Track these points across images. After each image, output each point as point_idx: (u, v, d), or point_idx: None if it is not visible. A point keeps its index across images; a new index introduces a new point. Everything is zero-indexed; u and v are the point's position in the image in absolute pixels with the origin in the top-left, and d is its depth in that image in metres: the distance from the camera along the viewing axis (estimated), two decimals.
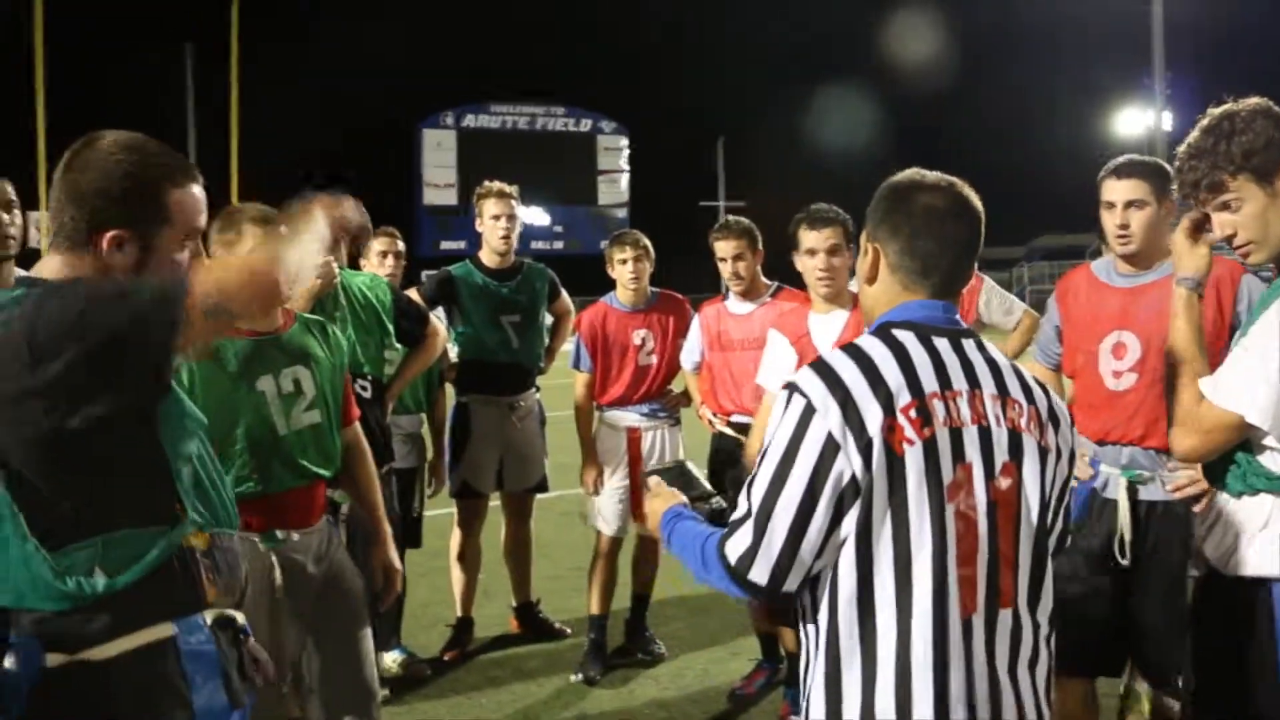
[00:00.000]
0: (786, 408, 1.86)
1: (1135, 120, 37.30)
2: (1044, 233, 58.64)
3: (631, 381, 5.16)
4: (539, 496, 5.62)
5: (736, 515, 1.86)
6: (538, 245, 47.72)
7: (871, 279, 2.04)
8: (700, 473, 2.38)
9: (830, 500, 1.79)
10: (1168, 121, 30.61)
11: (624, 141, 52.86)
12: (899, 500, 1.80)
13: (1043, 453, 1.93)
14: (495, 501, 5.54)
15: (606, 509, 5.13)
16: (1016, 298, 5.59)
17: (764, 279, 4.79)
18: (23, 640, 1.90)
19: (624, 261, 5.14)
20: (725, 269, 4.71)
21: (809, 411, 1.82)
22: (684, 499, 2.14)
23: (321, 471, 3.16)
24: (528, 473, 5.44)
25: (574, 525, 5.72)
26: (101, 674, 1.91)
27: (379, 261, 5.16)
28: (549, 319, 5.59)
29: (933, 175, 2.03)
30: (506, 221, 5.34)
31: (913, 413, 1.82)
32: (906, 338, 1.91)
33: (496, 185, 5.41)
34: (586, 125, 52.41)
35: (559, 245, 49.30)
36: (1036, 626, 1.92)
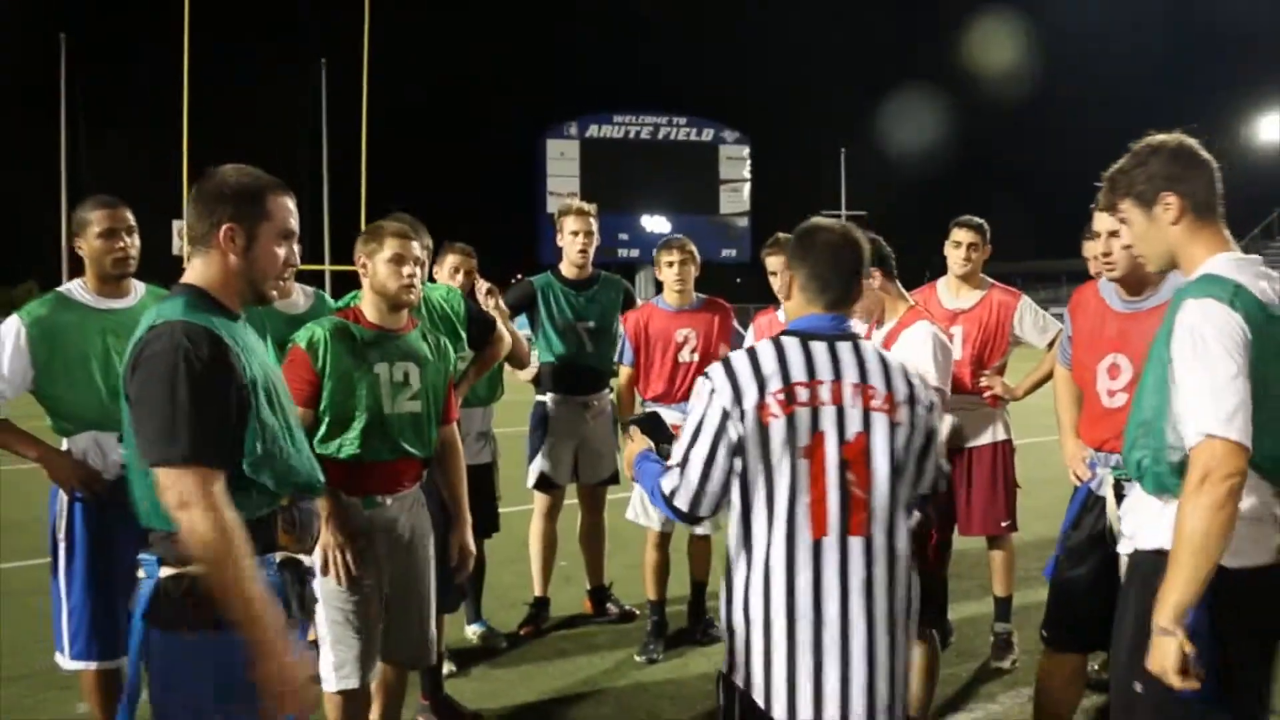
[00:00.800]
0: (701, 390, 2.63)
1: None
2: None
3: (670, 377, 5.56)
4: (618, 494, 6.07)
5: (671, 462, 2.66)
6: None
7: (788, 296, 2.80)
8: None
9: (725, 454, 2.56)
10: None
11: (746, 151, 53.04)
12: (766, 456, 2.54)
13: (893, 425, 2.60)
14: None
15: (649, 504, 5.47)
16: (1053, 318, 5.52)
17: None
18: (147, 557, 2.49)
19: (670, 264, 5.58)
20: (775, 282, 5.05)
21: (711, 392, 2.59)
22: (651, 444, 2.89)
23: (414, 452, 3.75)
24: (600, 467, 5.92)
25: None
26: (199, 584, 2.42)
27: (450, 275, 5.43)
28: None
29: (829, 220, 2.81)
30: (584, 238, 5.86)
31: (780, 395, 2.55)
32: (790, 342, 2.64)
33: (576, 204, 5.94)
34: (709, 135, 52.71)
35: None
36: (892, 550, 2.58)
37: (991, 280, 5.45)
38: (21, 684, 5.01)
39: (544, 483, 5.87)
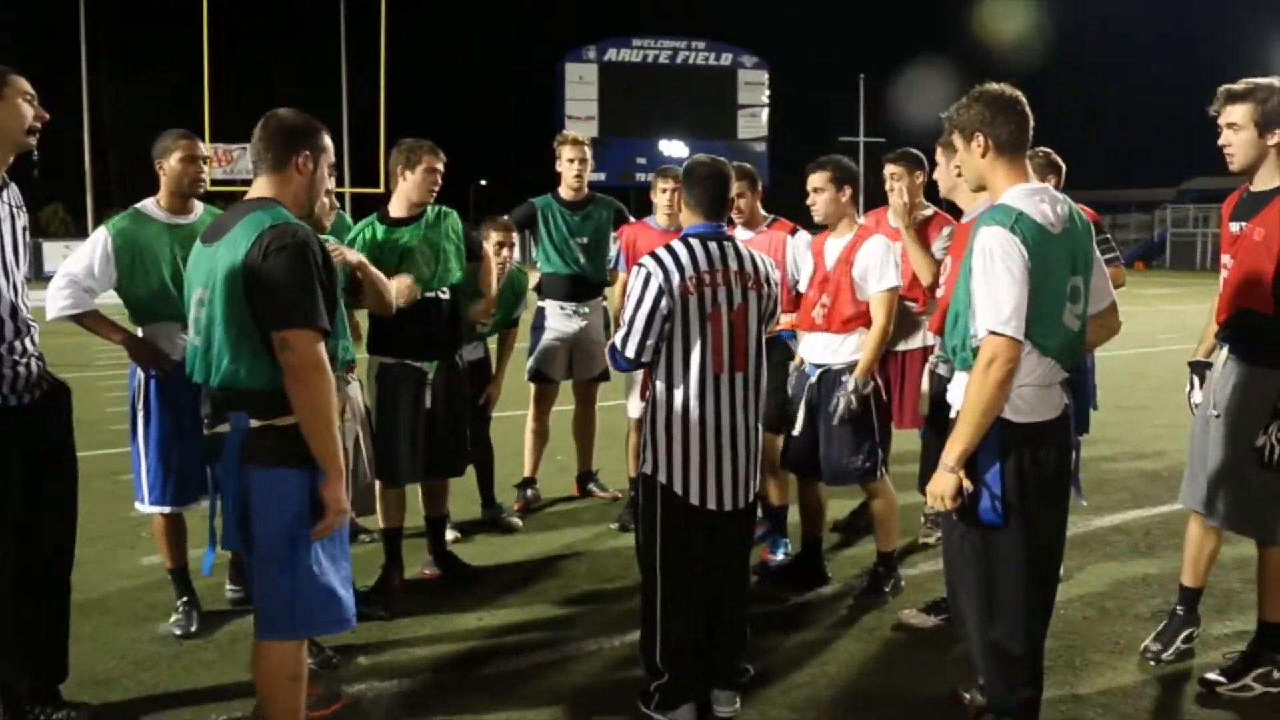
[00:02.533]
0: (637, 274, 3.81)
1: None
2: (1198, 174, 56.94)
3: None
4: (614, 400, 6.92)
5: (620, 329, 3.83)
6: None
7: (689, 214, 3.97)
8: None
9: (660, 318, 3.78)
10: None
11: (765, 76, 52.96)
12: (685, 319, 3.79)
13: (760, 298, 3.90)
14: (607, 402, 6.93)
15: (634, 395, 6.42)
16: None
17: (762, 211, 5.94)
18: (235, 412, 3.18)
19: (664, 191, 6.37)
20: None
21: (648, 275, 3.79)
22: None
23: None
24: (591, 365, 6.81)
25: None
26: (280, 432, 3.17)
27: (496, 250, 6.01)
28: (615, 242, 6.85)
29: (706, 156, 4.05)
30: (580, 165, 6.71)
31: (692, 279, 3.78)
32: (694, 243, 3.86)
33: (571, 134, 6.82)
34: (727, 60, 52.67)
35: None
36: (757, 382, 3.93)
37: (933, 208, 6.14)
38: (99, 543, 6.00)
39: (539, 376, 6.77)
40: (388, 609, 4.99)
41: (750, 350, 3.88)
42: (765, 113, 53.00)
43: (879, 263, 5.03)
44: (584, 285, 6.76)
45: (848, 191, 5.16)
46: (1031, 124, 3.42)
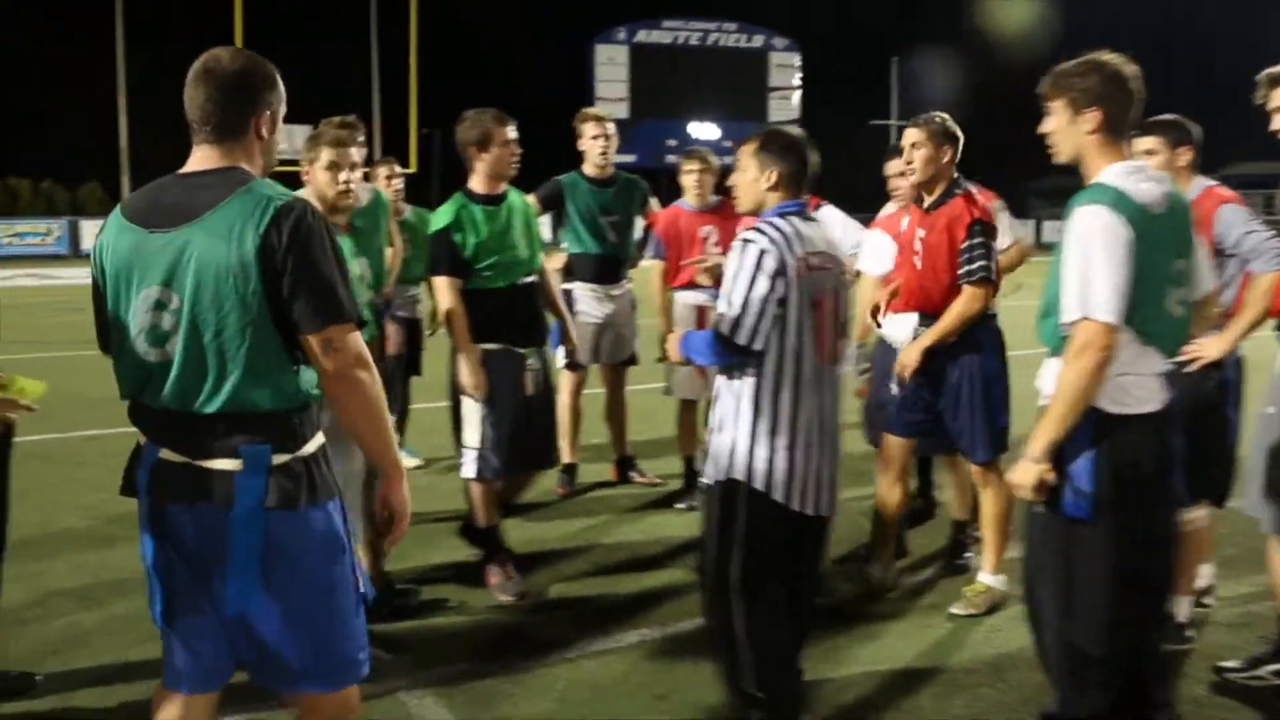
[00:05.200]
0: (745, 250, 3.42)
1: None
2: (1242, 160, 55.76)
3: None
4: (652, 387, 6.84)
5: (726, 312, 3.42)
6: None
7: (774, 189, 3.61)
8: None
9: (774, 300, 3.40)
10: None
11: (796, 59, 52.53)
12: (795, 304, 3.44)
13: (844, 283, 3.66)
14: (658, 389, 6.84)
15: (679, 376, 6.40)
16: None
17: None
18: (253, 447, 2.51)
19: (690, 173, 6.39)
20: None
21: (763, 252, 3.41)
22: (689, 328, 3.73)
23: None
24: (620, 348, 6.69)
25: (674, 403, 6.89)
26: (309, 463, 2.61)
27: (386, 183, 6.89)
28: (641, 224, 6.75)
29: (796, 130, 3.72)
30: (604, 140, 6.54)
31: (802, 260, 3.45)
32: (797, 220, 3.54)
33: (591, 110, 6.68)
34: (759, 41, 52.22)
35: (729, 160, 48.88)
36: (839, 375, 3.68)
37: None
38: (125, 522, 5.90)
39: (571, 364, 6.58)
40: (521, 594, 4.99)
41: (840, 341, 3.65)
42: (797, 95, 52.54)
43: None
44: (613, 265, 6.61)
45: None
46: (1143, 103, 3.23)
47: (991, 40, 69.86)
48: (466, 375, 4.82)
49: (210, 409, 2.53)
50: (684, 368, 6.36)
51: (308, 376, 2.62)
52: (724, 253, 6.28)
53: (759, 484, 3.46)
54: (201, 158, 2.63)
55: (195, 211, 2.52)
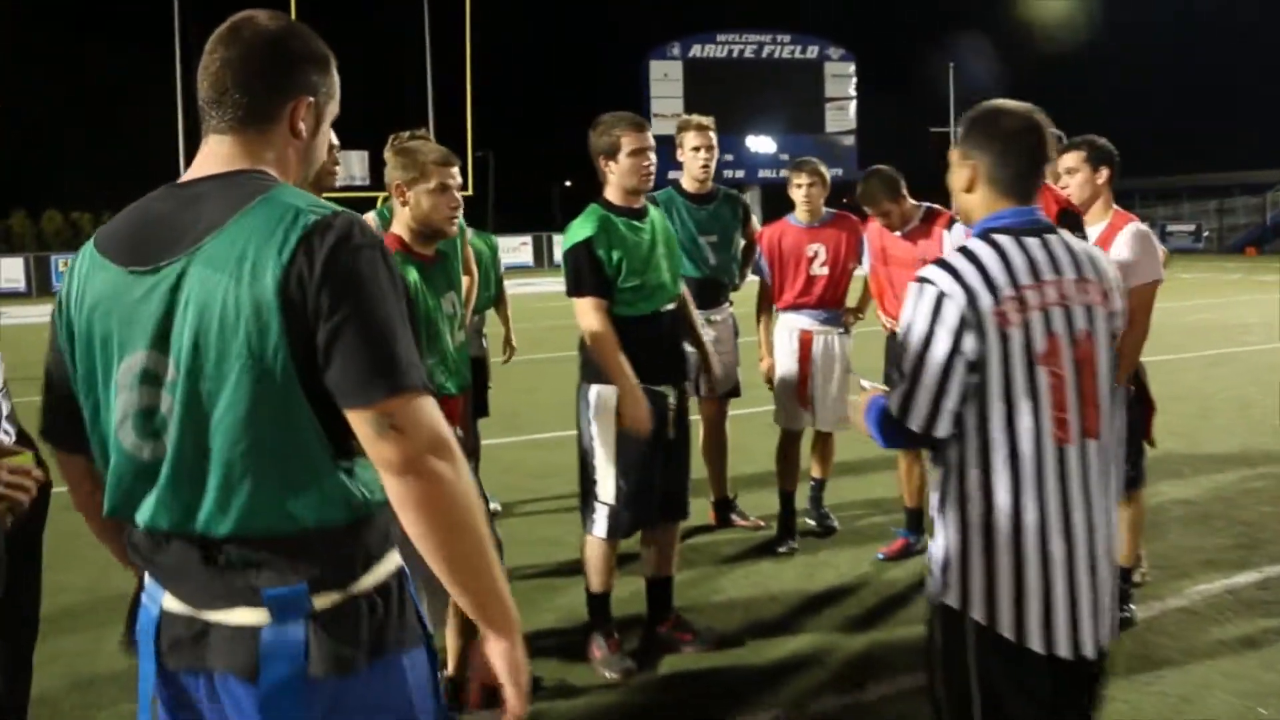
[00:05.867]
0: (921, 296, 2.42)
1: None
2: None
3: (803, 289, 5.96)
4: (749, 412, 6.23)
5: (895, 384, 2.45)
6: (764, 174, 47.75)
7: (969, 189, 2.56)
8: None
9: (962, 364, 2.37)
10: None
11: (851, 68, 51.67)
12: (1006, 367, 2.39)
13: (1109, 316, 2.51)
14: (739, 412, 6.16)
15: (787, 402, 6.00)
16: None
17: (912, 201, 5.58)
18: (282, 587, 1.73)
19: (799, 186, 5.95)
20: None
21: (941, 297, 2.39)
22: (883, 391, 2.59)
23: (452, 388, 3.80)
24: (722, 379, 5.96)
25: (775, 435, 6.28)
26: (371, 605, 1.79)
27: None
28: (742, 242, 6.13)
29: (1013, 103, 2.55)
30: (706, 152, 5.89)
31: (1012, 300, 2.39)
32: (1005, 240, 2.45)
33: (696, 118, 5.94)
34: (814, 52, 51.46)
35: (786, 174, 48.88)
36: (1112, 449, 2.53)
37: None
38: None
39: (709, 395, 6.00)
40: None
41: (1103, 402, 2.49)
42: (853, 105, 51.77)
43: (1140, 252, 4.46)
44: (715, 289, 5.98)
45: (1105, 172, 4.65)
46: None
47: (1045, 38, 68.60)
48: (631, 407, 4.15)
49: (221, 530, 1.72)
50: (790, 393, 5.84)
51: (365, 474, 1.78)
52: (831, 276, 5.91)
53: (978, 614, 2.46)
54: (209, 156, 1.84)
55: (192, 235, 1.72)
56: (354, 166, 38.17)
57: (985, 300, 2.37)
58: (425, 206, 3.71)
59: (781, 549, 5.83)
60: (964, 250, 2.47)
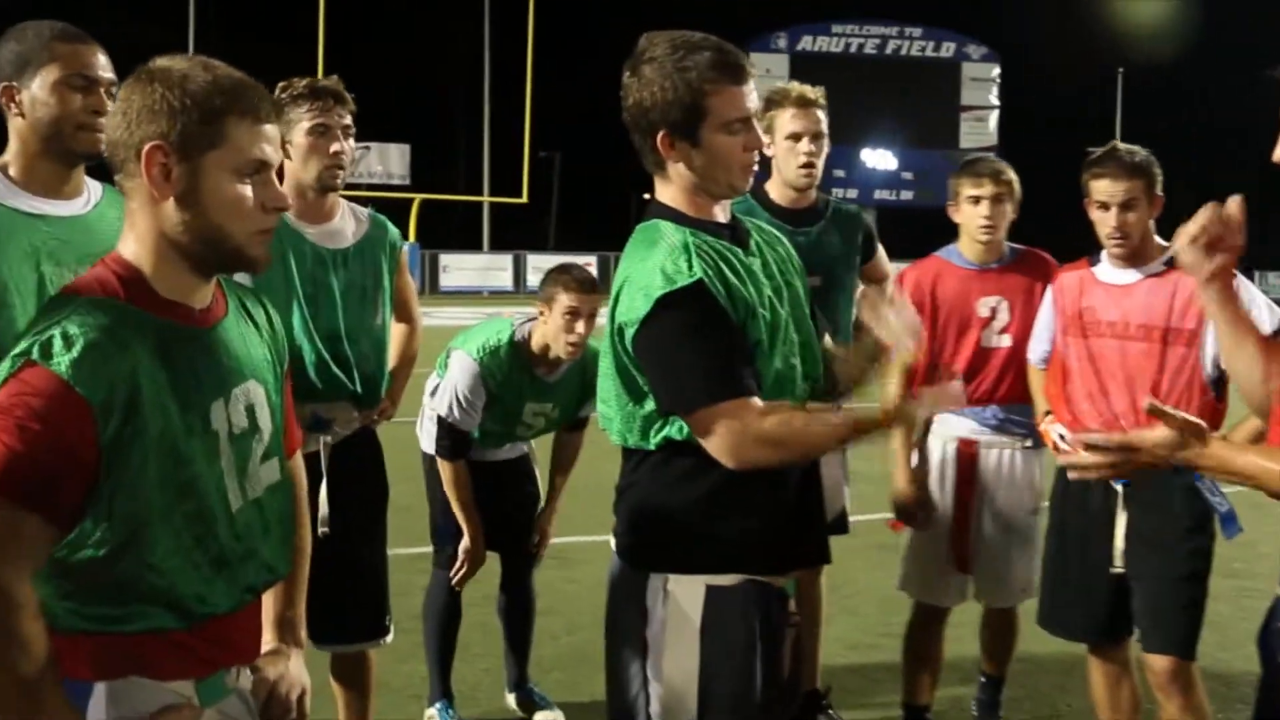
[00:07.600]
0: None
1: None
2: None
3: (970, 368, 4.44)
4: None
5: None
6: (882, 195, 47.85)
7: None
8: None
9: None
10: None
11: (995, 70, 51.27)
12: None
13: None
14: None
15: (918, 563, 4.65)
16: None
17: (1158, 239, 3.95)
18: None
19: (976, 200, 4.43)
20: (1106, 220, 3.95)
21: None
22: None
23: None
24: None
25: (888, 562, 5.00)
26: None
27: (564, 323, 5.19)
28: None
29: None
30: (810, 142, 4.50)
31: None
32: None
33: (797, 88, 4.58)
34: (949, 50, 51.29)
35: (908, 196, 48.77)
36: None
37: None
38: None
39: None
40: None
41: None
42: (995, 115, 51.33)
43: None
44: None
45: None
46: None
47: (1250, 43, 66.90)
48: None
49: None
50: (940, 543, 4.53)
51: None
52: (1017, 349, 4.45)
53: None
54: None
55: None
56: (393, 163, 37.97)
57: None
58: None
59: None
60: None
